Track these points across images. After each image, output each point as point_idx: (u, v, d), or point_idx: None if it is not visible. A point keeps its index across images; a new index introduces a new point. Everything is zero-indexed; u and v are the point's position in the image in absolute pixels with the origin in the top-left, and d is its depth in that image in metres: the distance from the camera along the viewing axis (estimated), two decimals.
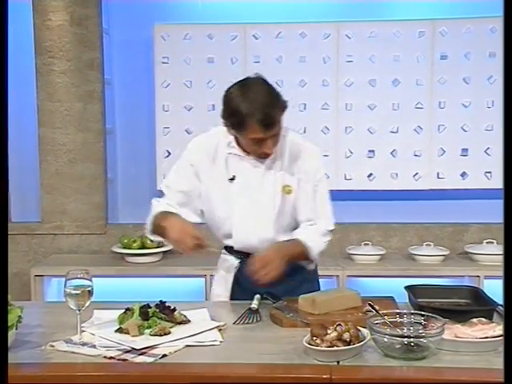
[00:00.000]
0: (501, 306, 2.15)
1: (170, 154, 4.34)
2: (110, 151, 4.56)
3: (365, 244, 4.19)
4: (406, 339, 1.78)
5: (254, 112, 2.20)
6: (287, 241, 2.41)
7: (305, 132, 4.28)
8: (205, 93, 4.32)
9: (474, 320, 1.92)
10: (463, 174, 4.30)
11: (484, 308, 2.12)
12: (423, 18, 4.23)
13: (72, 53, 4.35)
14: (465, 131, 4.27)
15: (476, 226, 4.33)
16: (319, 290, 2.56)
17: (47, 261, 4.28)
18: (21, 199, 4.59)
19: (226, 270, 2.56)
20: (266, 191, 2.42)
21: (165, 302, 2.13)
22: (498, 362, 1.76)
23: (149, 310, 2.07)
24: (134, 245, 4.09)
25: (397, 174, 4.32)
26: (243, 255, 2.47)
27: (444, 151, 4.30)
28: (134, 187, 4.60)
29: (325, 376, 1.67)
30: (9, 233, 4.45)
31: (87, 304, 1.94)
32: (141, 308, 2.07)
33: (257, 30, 4.29)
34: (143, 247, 4.10)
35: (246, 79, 2.32)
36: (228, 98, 2.29)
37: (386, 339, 1.80)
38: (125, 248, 4.12)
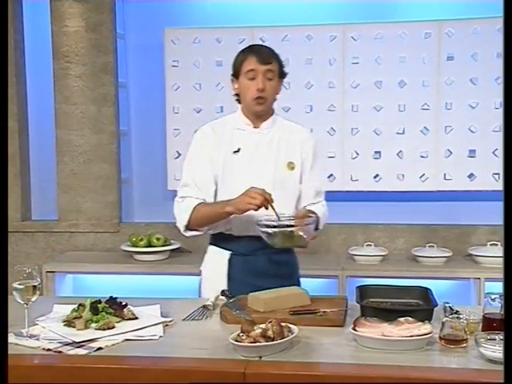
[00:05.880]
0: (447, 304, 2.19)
1: (179, 155, 4.45)
2: (126, 152, 4.70)
3: (367, 245, 4.20)
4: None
5: (251, 47, 2.65)
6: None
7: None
8: (213, 95, 4.42)
9: (401, 319, 1.94)
10: (470, 176, 4.26)
11: (420, 308, 2.16)
12: (429, 19, 4.22)
13: (87, 57, 4.51)
14: (472, 132, 4.23)
15: (484, 228, 4.27)
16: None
17: (61, 258, 4.45)
18: (40, 198, 4.78)
19: (216, 265, 2.67)
20: (269, 164, 2.60)
21: (115, 298, 2.23)
22: (422, 360, 1.80)
23: (99, 305, 2.18)
24: (141, 243, 4.22)
25: (403, 175, 4.32)
26: (239, 241, 2.59)
27: (451, 152, 4.27)
28: (147, 187, 4.72)
29: (239, 371, 1.74)
30: (28, 230, 4.67)
31: (34, 299, 2.05)
32: (92, 303, 2.18)
33: (264, 33, 4.34)
34: (149, 245, 4.22)
35: None
36: None
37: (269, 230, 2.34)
38: (133, 246, 4.26)
